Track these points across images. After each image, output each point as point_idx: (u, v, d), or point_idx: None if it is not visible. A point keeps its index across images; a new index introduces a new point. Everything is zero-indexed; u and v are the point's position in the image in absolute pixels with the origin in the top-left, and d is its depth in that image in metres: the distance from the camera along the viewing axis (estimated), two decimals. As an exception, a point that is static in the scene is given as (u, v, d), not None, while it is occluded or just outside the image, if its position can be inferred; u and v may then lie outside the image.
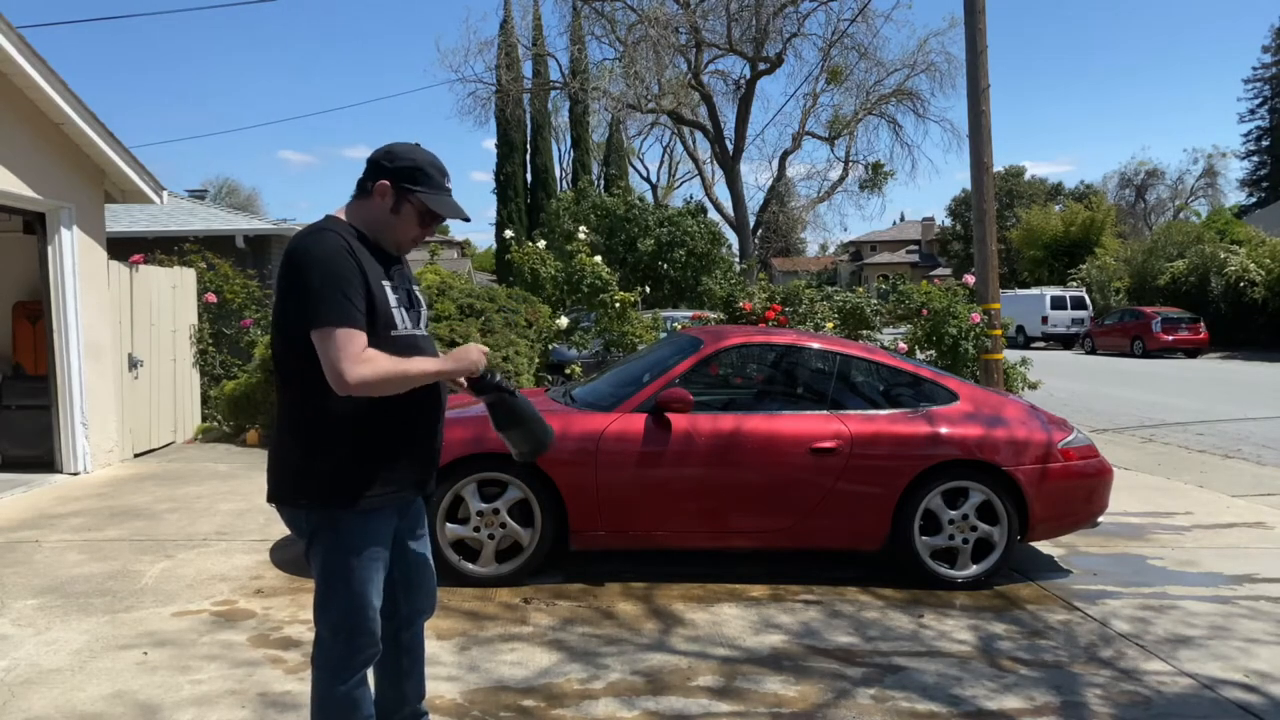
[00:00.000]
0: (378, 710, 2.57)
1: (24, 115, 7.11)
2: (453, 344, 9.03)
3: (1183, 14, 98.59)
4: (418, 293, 2.57)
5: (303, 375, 2.30)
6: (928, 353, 10.15)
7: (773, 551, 5.18)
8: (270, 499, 2.44)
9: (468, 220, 2.72)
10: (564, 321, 10.32)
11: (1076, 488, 4.99)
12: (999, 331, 9.43)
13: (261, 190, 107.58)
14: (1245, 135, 56.07)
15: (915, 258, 63.10)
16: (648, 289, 14.90)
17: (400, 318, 2.40)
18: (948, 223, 60.15)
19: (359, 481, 2.35)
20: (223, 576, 4.84)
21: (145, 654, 3.78)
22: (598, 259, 10.68)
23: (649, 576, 4.90)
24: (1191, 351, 25.01)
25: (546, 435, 2.64)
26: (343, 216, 2.44)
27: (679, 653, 3.90)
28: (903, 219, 69.34)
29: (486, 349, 2.51)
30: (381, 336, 2.32)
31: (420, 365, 2.35)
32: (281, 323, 2.34)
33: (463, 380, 2.48)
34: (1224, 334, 25.93)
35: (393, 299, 2.39)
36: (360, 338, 2.25)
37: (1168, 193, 60.76)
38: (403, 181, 2.40)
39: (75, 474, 7.63)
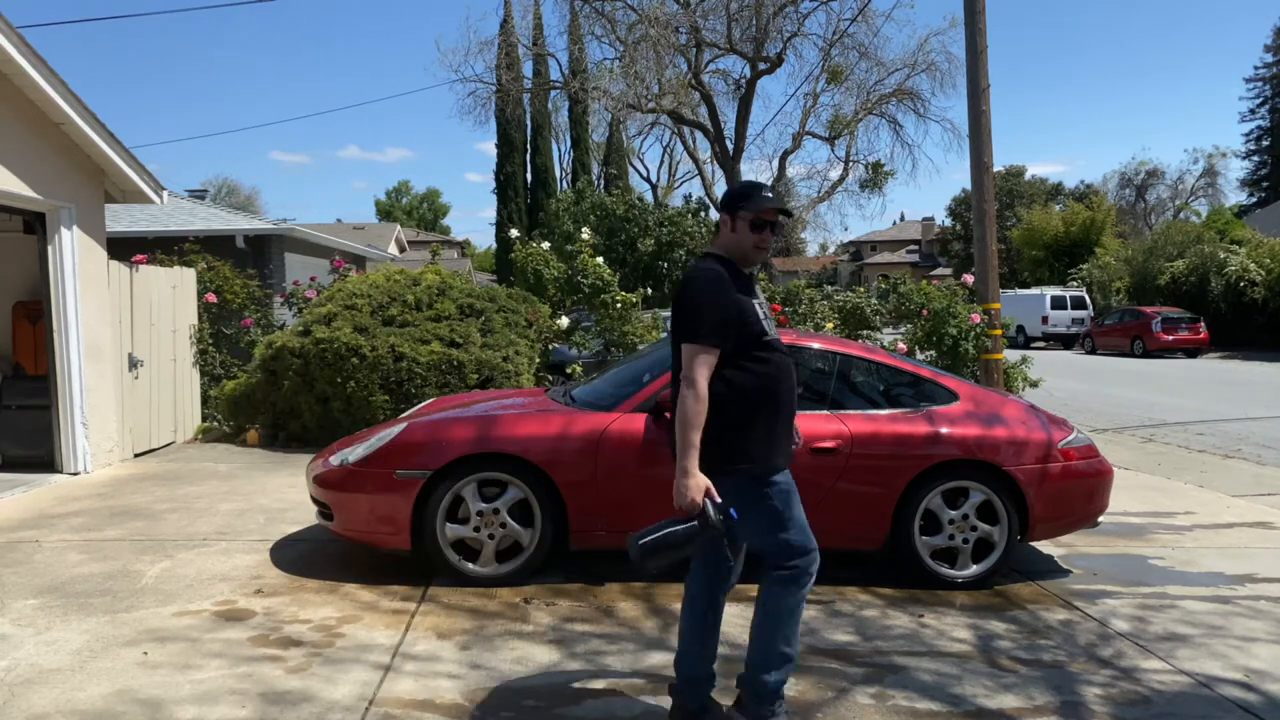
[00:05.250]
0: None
1: (24, 115, 7.12)
2: (452, 344, 9.03)
3: (1183, 14, 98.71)
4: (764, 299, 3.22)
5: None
6: (928, 353, 10.15)
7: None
8: (718, 468, 2.95)
9: (790, 215, 3.55)
10: (565, 322, 10.32)
11: (1076, 487, 4.99)
12: (999, 331, 9.44)
13: (261, 190, 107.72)
14: (1246, 135, 56.21)
15: (915, 258, 63.08)
16: (649, 290, 14.90)
17: (769, 326, 3.04)
18: (948, 223, 60.13)
19: None
20: (223, 576, 4.84)
21: (146, 653, 3.78)
22: (599, 260, 10.69)
23: (649, 576, 4.90)
24: (1191, 351, 25.03)
25: (644, 546, 2.92)
26: (714, 249, 3.11)
27: (679, 652, 3.90)
28: (903, 219, 69.34)
29: (708, 490, 2.89)
30: (758, 344, 2.97)
31: (694, 446, 2.86)
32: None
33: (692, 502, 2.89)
34: (1224, 334, 25.94)
35: (760, 312, 3.02)
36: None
37: (1168, 193, 60.80)
38: (733, 207, 3.06)
39: (75, 474, 7.64)
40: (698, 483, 2.84)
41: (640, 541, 2.88)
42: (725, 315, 2.92)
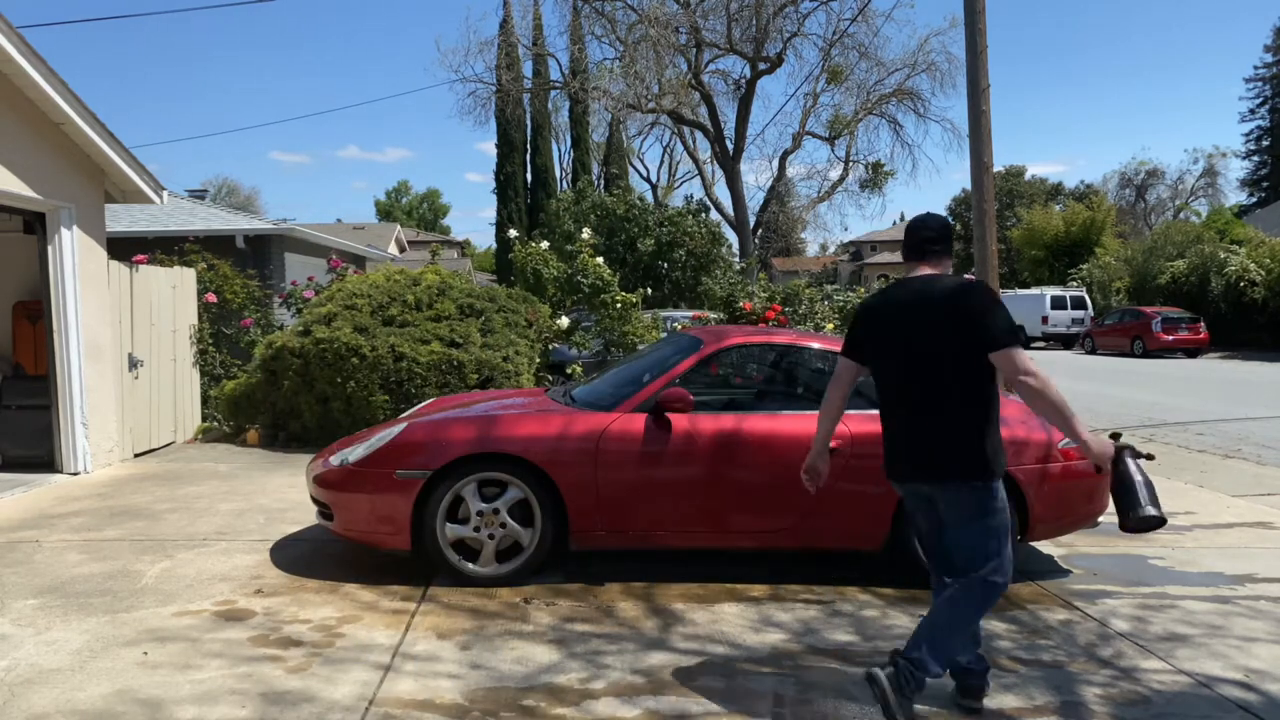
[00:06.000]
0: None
1: (24, 115, 7.12)
2: (452, 344, 9.04)
3: (1183, 14, 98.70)
4: None
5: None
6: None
7: (773, 551, 5.18)
8: (973, 477, 3.11)
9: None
10: (565, 322, 10.33)
11: (1076, 488, 4.99)
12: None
13: (261, 190, 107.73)
14: (1246, 135, 56.14)
15: (915, 257, 62.95)
16: (649, 289, 14.91)
17: None
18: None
19: None
20: (223, 576, 4.84)
21: (146, 653, 3.78)
22: (599, 260, 10.70)
23: (649, 576, 4.90)
24: (1191, 351, 25.02)
25: (1148, 507, 3.15)
26: (948, 272, 3.31)
27: (679, 651, 3.90)
28: (903, 219, 69.18)
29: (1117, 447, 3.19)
30: None
31: (1073, 416, 2.98)
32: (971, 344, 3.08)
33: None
34: (1224, 334, 25.94)
35: None
36: None
37: (1168, 193, 60.79)
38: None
39: (75, 474, 7.64)
40: (1101, 439, 3.08)
41: (1142, 513, 3.11)
42: None
